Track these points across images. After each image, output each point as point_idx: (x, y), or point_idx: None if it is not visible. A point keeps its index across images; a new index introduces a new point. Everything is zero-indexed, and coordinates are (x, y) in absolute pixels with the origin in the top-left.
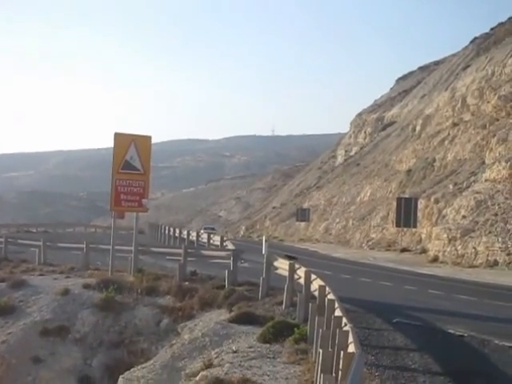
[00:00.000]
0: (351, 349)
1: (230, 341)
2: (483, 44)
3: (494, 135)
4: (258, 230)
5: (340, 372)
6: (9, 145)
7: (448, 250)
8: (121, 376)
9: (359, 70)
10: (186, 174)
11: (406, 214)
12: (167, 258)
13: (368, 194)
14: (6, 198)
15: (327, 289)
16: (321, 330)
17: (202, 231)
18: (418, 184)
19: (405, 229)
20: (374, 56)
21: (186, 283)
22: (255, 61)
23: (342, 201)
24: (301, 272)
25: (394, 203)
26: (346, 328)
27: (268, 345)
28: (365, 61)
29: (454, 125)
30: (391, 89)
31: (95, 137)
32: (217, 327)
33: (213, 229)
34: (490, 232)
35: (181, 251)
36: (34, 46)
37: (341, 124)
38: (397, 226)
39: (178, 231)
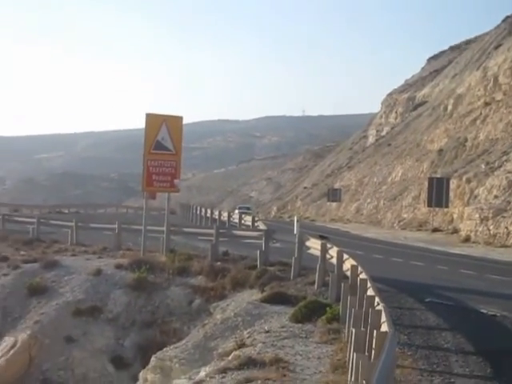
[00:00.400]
0: (384, 328)
1: (263, 321)
2: None
3: None
4: (290, 211)
5: (373, 351)
6: (39, 126)
7: (480, 229)
8: (153, 356)
9: (390, 49)
10: (217, 154)
11: (438, 193)
12: (199, 238)
13: (399, 174)
14: (37, 179)
15: (359, 268)
16: (353, 310)
17: (236, 211)
18: (450, 164)
19: (436, 209)
20: (404, 35)
21: (218, 263)
22: (286, 41)
23: (373, 181)
24: (333, 252)
25: (426, 183)
26: (378, 307)
27: (300, 324)
28: (396, 40)
29: (486, 104)
30: (422, 68)
31: (126, 118)
32: (249, 307)
33: (248, 208)
34: None
35: (212, 231)
36: (61, 21)
37: (372, 104)
38: (428, 205)
39: (209, 211)
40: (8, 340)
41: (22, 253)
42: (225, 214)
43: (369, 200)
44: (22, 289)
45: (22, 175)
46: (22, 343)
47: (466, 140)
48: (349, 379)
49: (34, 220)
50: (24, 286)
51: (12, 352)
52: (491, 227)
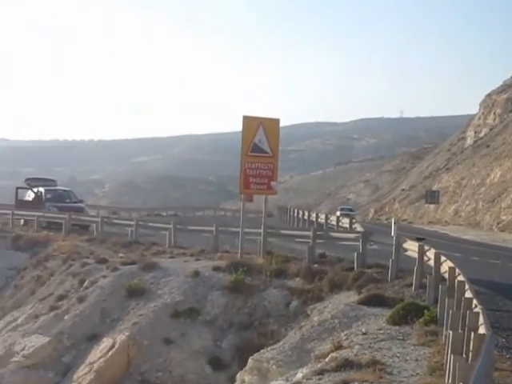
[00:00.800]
0: (482, 330)
1: (360, 323)
2: None
3: None
4: (387, 213)
5: (470, 353)
6: (137, 130)
7: None
8: (250, 357)
9: (487, 49)
10: (314, 157)
11: None
12: (296, 240)
13: (498, 176)
14: (137, 182)
15: (457, 270)
16: (451, 312)
17: (338, 212)
18: None
19: None
20: (501, 35)
21: (315, 265)
22: (382, 41)
23: (471, 183)
24: (430, 254)
25: None
26: (476, 309)
27: (397, 327)
28: (492, 40)
29: None
30: None
31: (224, 121)
32: (346, 309)
33: (350, 210)
34: None
35: (310, 233)
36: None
37: (469, 105)
38: None
39: (306, 214)
40: (107, 341)
41: (121, 255)
42: (322, 216)
43: (467, 202)
44: (120, 290)
45: (120, 178)
46: (121, 344)
47: None
48: (446, 381)
49: (133, 222)
50: (123, 287)
51: (111, 353)
52: None
